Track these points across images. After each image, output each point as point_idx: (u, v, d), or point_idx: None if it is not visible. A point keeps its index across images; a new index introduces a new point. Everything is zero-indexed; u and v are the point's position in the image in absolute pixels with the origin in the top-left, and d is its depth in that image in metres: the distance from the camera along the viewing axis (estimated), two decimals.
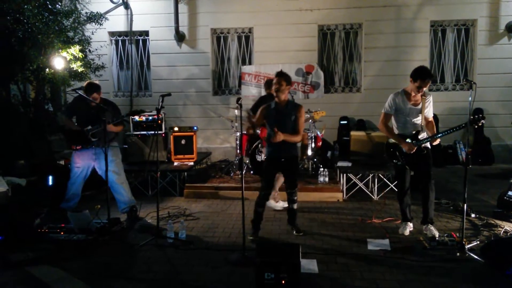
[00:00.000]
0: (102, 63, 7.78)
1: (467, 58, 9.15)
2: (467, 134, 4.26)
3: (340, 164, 6.87)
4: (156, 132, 5.54)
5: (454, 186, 7.07)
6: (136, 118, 7.43)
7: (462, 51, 9.15)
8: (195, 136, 7.47)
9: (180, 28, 9.21)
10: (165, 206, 6.10)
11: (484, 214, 5.39)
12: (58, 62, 6.33)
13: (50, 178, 6.12)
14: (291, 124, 4.57)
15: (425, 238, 4.49)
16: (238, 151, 7.43)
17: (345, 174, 6.60)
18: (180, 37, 9.29)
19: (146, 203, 6.05)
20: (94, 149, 5.31)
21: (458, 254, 4.09)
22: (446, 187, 7.03)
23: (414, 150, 4.52)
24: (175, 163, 7.30)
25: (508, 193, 5.39)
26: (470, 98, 4.11)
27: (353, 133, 7.24)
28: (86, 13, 7.37)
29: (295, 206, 4.88)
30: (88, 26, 7.50)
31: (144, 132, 7.37)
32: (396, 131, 4.74)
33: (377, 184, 6.49)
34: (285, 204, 5.94)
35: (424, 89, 4.44)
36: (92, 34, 7.58)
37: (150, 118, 7.49)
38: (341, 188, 6.57)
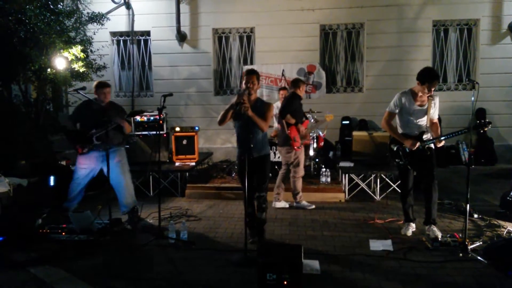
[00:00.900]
0: (104, 63, 7.77)
1: (469, 58, 9.13)
2: (470, 134, 4.24)
3: (342, 164, 6.86)
4: (157, 132, 5.52)
5: (457, 186, 7.05)
6: (138, 118, 7.43)
7: (465, 50, 9.13)
8: (197, 136, 7.46)
9: (182, 28, 9.21)
10: (166, 206, 6.10)
11: (487, 215, 5.37)
12: (60, 62, 6.34)
13: (52, 178, 6.11)
14: (260, 117, 4.28)
15: (428, 239, 4.48)
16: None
17: (347, 175, 6.59)
18: (181, 37, 9.29)
19: (148, 203, 6.05)
20: (100, 152, 5.20)
21: (460, 254, 4.08)
22: (448, 187, 7.00)
23: (416, 147, 4.49)
24: (177, 164, 7.29)
25: (511, 194, 5.36)
26: (473, 98, 4.10)
27: (355, 133, 7.22)
28: (88, 13, 7.37)
29: (263, 215, 4.52)
30: (90, 26, 7.50)
31: (146, 132, 7.37)
32: (400, 131, 4.71)
33: (379, 184, 6.48)
34: (286, 205, 5.97)
35: (432, 90, 4.42)
36: (94, 34, 7.58)
37: (152, 118, 7.49)
38: (343, 188, 6.56)
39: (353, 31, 9.29)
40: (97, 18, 7.38)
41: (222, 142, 9.52)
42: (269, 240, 4.66)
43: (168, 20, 9.25)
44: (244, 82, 4.31)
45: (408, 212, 4.82)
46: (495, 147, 8.73)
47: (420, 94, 4.49)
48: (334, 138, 9.05)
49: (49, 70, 6.53)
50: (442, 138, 4.48)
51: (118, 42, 9.74)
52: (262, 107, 4.36)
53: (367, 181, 6.62)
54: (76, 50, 6.75)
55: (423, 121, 4.58)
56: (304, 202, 5.98)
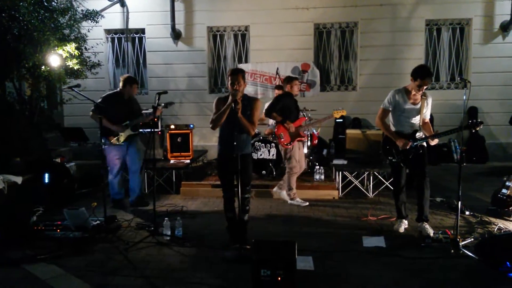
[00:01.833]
0: (98, 61, 7.75)
1: (462, 57, 9.21)
2: (462, 132, 4.30)
3: (335, 162, 6.91)
4: (152, 130, 5.54)
5: (449, 184, 7.12)
6: None
7: (457, 50, 9.21)
8: (191, 134, 7.47)
9: (177, 26, 9.20)
10: (161, 203, 6.11)
11: (478, 212, 5.44)
12: (54, 59, 6.32)
13: (46, 175, 6.11)
14: (246, 118, 4.18)
15: (420, 235, 4.53)
16: None
17: (340, 172, 6.64)
18: (176, 35, 9.28)
19: None
20: (126, 143, 5.69)
21: (452, 251, 4.13)
22: (440, 185, 7.08)
23: (408, 146, 4.55)
24: (172, 161, 7.30)
25: (502, 191, 5.43)
26: (464, 97, 4.15)
27: (348, 131, 7.27)
28: (82, 10, 7.34)
29: (246, 216, 4.35)
30: (84, 23, 7.46)
31: (141, 130, 7.35)
32: (392, 129, 4.76)
33: (372, 181, 6.54)
34: (306, 203, 6.04)
35: (424, 87, 4.46)
36: (88, 31, 7.55)
37: None
38: (336, 185, 6.61)
39: (347, 30, 9.33)
40: (92, 15, 7.35)
41: (217, 140, 9.50)
42: (262, 237, 4.69)
43: (163, 18, 9.25)
44: (229, 82, 4.15)
45: (400, 209, 4.87)
46: (487, 145, 8.82)
47: (413, 92, 4.54)
48: (328, 136, 9.10)
49: (43, 67, 6.50)
50: (434, 137, 4.54)
51: (112, 39, 9.71)
52: (249, 104, 4.22)
53: (360, 178, 6.67)
54: (71, 47, 6.73)
55: (416, 120, 4.63)
56: (298, 199, 6.02)
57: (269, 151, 6.92)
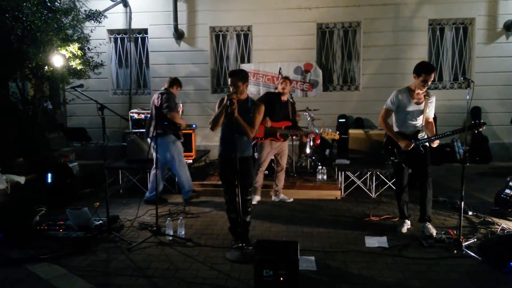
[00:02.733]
0: (101, 61, 7.77)
1: (465, 57, 9.18)
2: (465, 132, 4.29)
3: (338, 162, 6.89)
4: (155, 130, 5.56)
5: (452, 184, 7.10)
6: (135, 116, 7.44)
7: (460, 49, 9.18)
8: (194, 134, 7.47)
9: (179, 26, 9.21)
10: (163, 203, 6.11)
11: (481, 212, 5.42)
12: (57, 59, 6.34)
13: (49, 175, 6.13)
14: (248, 121, 4.18)
15: (423, 236, 4.51)
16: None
17: (343, 172, 6.62)
18: (179, 35, 9.29)
19: None
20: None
21: (455, 251, 4.12)
22: (443, 185, 7.06)
23: (410, 148, 4.54)
24: None
25: (505, 191, 5.41)
26: (468, 97, 4.14)
27: (351, 131, 7.25)
28: (85, 11, 7.37)
29: (248, 218, 4.33)
30: (87, 24, 7.50)
31: (143, 130, 7.37)
32: (395, 129, 4.75)
33: (375, 182, 6.52)
34: (290, 199, 6.11)
35: (429, 83, 4.43)
36: (91, 32, 7.58)
37: (149, 116, 7.48)
38: (339, 186, 6.60)
39: (350, 29, 9.32)
40: (95, 15, 7.38)
41: (219, 140, 9.53)
42: (265, 237, 4.70)
43: (166, 18, 9.26)
44: (229, 84, 4.21)
45: (403, 209, 4.86)
46: (490, 145, 8.79)
47: (417, 91, 4.52)
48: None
49: (46, 67, 6.53)
50: (437, 137, 4.53)
51: (115, 39, 9.73)
52: (252, 107, 4.22)
53: (363, 178, 6.66)
54: (74, 47, 6.76)
55: (419, 120, 4.61)
56: (257, 197, 6.08)
57: None
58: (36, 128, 6.97)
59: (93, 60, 7.58)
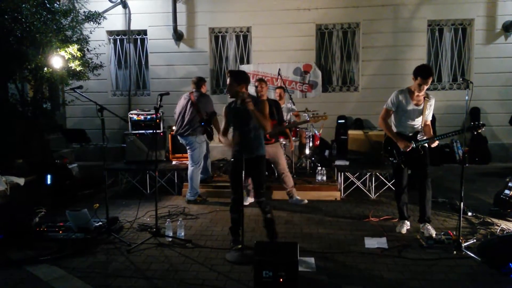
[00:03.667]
0: (101, 62, 7.76)
1: (464, 58, 9.19)
2: (464, 134, 4.30)
3: (337, 163, 6.90)
4: (154, 131, 5.56)
5: (451, 184, 7.11)
6: (135, 117, 7.45)
7: (459, 50, 9.19)
8: None
9: (178, 27, 9.22)
10: (163, 205, 6.11)
11: (481, 213, 5.43)
12: (57, 61, 6.33)
13: (49, 177, 6.13)
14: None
15: (422, 237, 4.52)
16: None
17: (342, 173, 6.63)
18: (178, 36, 9.30)
19: (145, 201, 6.07)
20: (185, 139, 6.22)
21: (455, 252, 4.12)
22: (443, 185, 7.06)
23: (409, 148, 4.55)
24: (173, 162, 7.31)
25: (505, 192, 5.42)
26: (467, 97, 4.14)
27: (350, 132, 7.27)
28: (84, 12, 7.36)
29: (269, 215, 4.33)
30: (86, 25, 7.49)
31: (143, 131, 7.39)
32: (394, 129, 4.76)
33: (374, 182, 6.53)
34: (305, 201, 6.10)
35: (425, 87, 4.44)
36: (90, 33, 7.57)
37: (149, 117, 7.50)
38: (338, 186, 6.60)
39: (349, 30, 9.33)
40: (94, 17, 7.37)
41: (219, 141, 9.53)
42: (264, 239, 4.69)
43: (165, 19, 9.26)
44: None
45: (402, 210, 4.86)
46: (489, 146, 8.80)
47: (416, 92, 4.53)
48: (330, 137, 9.09)
49: (45, 69, 6.52)
50: (436, 138, 4.53)
51: (114, 41, 9.73)
52: (257, 105, 4.19)
53: (362, 179, 6.66)
54: (73, 49, 6.75)
55: (418, 121, 4.62)
56: (248, 198, 6.10)
57: None
58: (36, 129, 6.96)
59: (93, 62, 7.57)
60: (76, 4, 7.39)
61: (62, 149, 8.11)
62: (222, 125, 4.44)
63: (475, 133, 4.40)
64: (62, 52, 6.60)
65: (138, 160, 7.17)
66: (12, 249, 4.37)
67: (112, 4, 9.24)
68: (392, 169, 5.02)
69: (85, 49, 7.41)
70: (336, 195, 6.42)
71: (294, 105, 7.33)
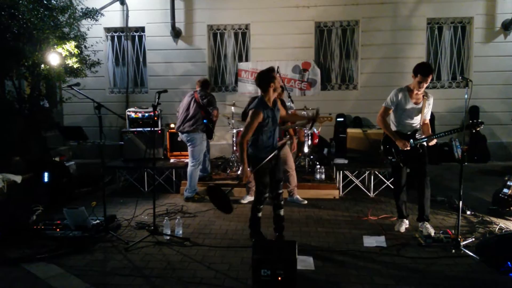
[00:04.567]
0: (98, 59, 7.73)
1: (463, 56, 9.18)
2: (463, 132, 4.29)
3: (336, 161, 6.89)
4: (152, 129, 5.55)
5: (450, 183, 7.11)
6: (132, 115, 7.42)
7: (459, 48, 9.17)
8: None
9: (177, 25, 9.17)
10: (161, 203, 6.10)
11: (480, 211, 5.43)
12: (54, 58, 6.30)
13: (46, 174, 6.10)
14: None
15: (421, 235, 4.52)
16: (234, 148, 7.43)
17: (341, 171, 6.62)
18: (176, 34, 9.25)
19: (143, 199, 6.07)
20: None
21: (453, 251, 4.12)
22: (441, 184, 7.06)
23: (408, 147, 4.54)
24: (171, 160, 7.30)
25: (503, 191, 5.42)
26: (466, 96, 4.13)
27: (349, 130, 7.25)
28: (82, 8, 7.32)
29: (282, 212, 4.56)
30: (84, 22, 7.45)
31: (141, 129, 7.36)
32: (393, 128, 4.75)
33: (373, 181, 6.52)
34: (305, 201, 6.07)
35: (425, 85, 4.43)
36: (88, 30, 7.52)
37: (146, 114, 7.48)
38: (337, 185, 6.59)
39: (348, 28, 9.30)
40: (91, 13, 7.34)
41: (217, 139, 9.51)
42: (264, 237, 4.69)
43: (163, 16, 9.22)
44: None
45: (401, 209, 4.86)
46: (488, 144, 8.79)
47: (415, 91, 4.52)
48: (329, 135, 9.08)
49: (42, 66, 6.48)
50: (434, 136, 4.52)
51: (112, 38, 9.68)
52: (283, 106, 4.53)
53: (361, 178, 6.66)
54: (70, 46, 6.71)
55: (417, 120, 4.61)
56: (248, 197, 6.15)
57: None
58: (33, 127, 6.93)
59: (90, 59, 7.53)
60: (73, 1, 7.33)
61: (59, 146, 8.07)
62: (250, 129, 4.18)
63: (474, 131, 4.39)
64: (59, 49, 6.56)
65: (136, 158, 7.15)
66: (9, 247, 4.35)
67: (109, 1, 9.17)
68: (391, 168, 5.01)
69: (83, 46, 7.37)
70: (335, 193, 6.41)
71: (293, 103, 7.31)
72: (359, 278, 3.63)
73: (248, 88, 9.19)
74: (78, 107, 8.94)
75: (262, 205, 4.47)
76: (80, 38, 7.21)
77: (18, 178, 5.73)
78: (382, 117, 4.74)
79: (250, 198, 6.04)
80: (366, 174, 6.62)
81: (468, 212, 5.38)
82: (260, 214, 4.52)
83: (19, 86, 7.16)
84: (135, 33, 9.63)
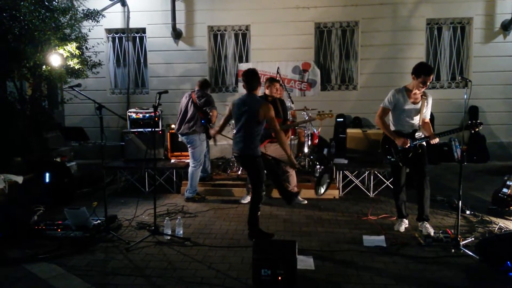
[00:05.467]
0: (99, 60, 7.75)
1: (462, 56, 9.19)
2: (462, 131, 4.30)
3: (336, 161, 6.90)
4: (153, 129, 5.58)
5: (449, 183, 7.12)
6: (133, 115, 7.44)
7: (458, 49, 9.19)
8: None
9: (177, 26, 9.20)
10: (162, 203, 6.12)
11: (479, 211, 5.44)
12: (55, 59, 6.32)
13: (47, 175, 6.12)
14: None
15: (421, 235, 4.53)
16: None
17: (341, 171, 6.64)
18: (177, 35, 9.28)
19: (143, 200, 6.08)
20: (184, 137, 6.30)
21: (453, 250, 4.13)
22: (441, 184, 7.08)
23: (408, 144, 4.55)
24: (172, 160, 7.31)
25: (503, 190, 5.44)
26: (465, 96, 4.15)
27: (349, 130, 7.26)
28: (83, 10, 7.34)
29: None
30: (85, 23, 7.47)
31: (141, 130, 7.38)
32: (392, 128, 4.76)
33: (373, 181, 6.54)
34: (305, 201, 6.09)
35: (427, 84, 4.45)
36: (89, 31, 7.55)
37: (147, 115, 7.50)
38: (337, 185, 6.61)
39: (348, 29, 9.32)
40: (92, 15, 7.36)
41: (218, 139, 9.52)
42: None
43: (164, 17, 9.24)
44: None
45: (401, 209, 4.87)
46: (487, 144, 8.81)
47: (414, 91, 4.53)
48: (329, 136, 9.10)
49: (44, 67, 6.51)
50: (434, 136, 4.54)
51: (113, 39, 9.71)
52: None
53: (361, 178, 6.67)
54: (71, 47, 6.74)
55: (416, 120, 4.63)
56: (248, 197, 6.11)
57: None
58: (34, 127, 6.96)
59: (91, 60, 7.56)
60: (74, 2, 7.38)
61: (61, 147, 8.08)
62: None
63: (473, 131, 4.41)
64: (61, 50, 6.59)
65: (136, 159, 7.17)
66: (10, 247, 4.37)
67: (111, 2, 9.20)
68: (390, 168, 5.03)
69: (84, 47, 7.40)
70: (335, 193, 6.43)
71: (292, 103, 7.32)
72: (359, 278, 3.65)
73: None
74: (79, 108, 8.97)
75: (261, 203, 4.58)
76: (81, 39, 7.24)
77: (19, 179, 5.75)
78: (380, 117, 4.76)
79: (249, 198, 6.04)
80: (366, 174, 6.63)
81: (468, 212, 5.39)
82: (259, 213, 4.60)
83: (21, 87, 7.19)
84: (136, 34, 9.66)
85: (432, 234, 4.44)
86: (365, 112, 9.07)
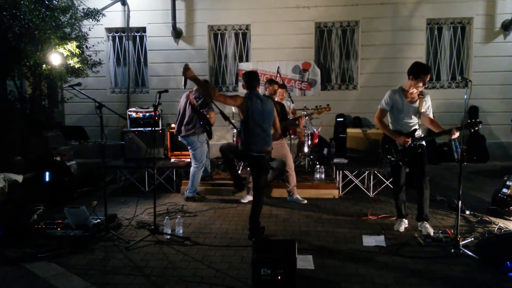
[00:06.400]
0: (99, 59, 7.75)
1: (463, 56, 9.19)
2: (463, 131, 4.30)
3: (336, 161, 6.91)
4: (153, 128, 5.58)
5: (449, 183, 7.12)
6: (133, 114, 7.45)
7: (458, 49, 9.19)
8: None
9: (177, 25, 9.20)
10: (162, 202, 6.12)
11: (479, 211, 5.44)
12: (55, 58, 6.32)
13: (47, 174, 6.12)
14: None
15: (420, 235, 4.54)
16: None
17: (341, 171, 6.64)
18: (177, 34, 9.28)
19: (143, 199, 6.09)
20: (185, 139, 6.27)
21: (452, 250, 4.13)
22: (441, 184, 7.08)
23: (409, 142, 4.54)
24: (172, 160, 7.32)
25: (503, 190, 5.44)
26: (465, 96, 4.15)
27: (349, 130, 7.27)
28: (83, 9, 7.35)
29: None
30: (85, 22, 7.48)
31: (141, 129, 7.38)
32: (391, 128, 4.76)
33: (372, 181, 6.54)
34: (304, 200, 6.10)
35: (426, 83, 4.45)
36: (89, 30, 7.56)
37: (147, 114, 7.50)
38: (337, 185, 6.61)
39: (348, 29, 9.32)
40: (93, 14, 7.36)
41: (218, 139, 9.52)
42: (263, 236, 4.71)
43: (164, 16, 9.24)
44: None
45: (400, 208, 4.87)
46: (487, 144, 8.80)
47: (410, 90, 4.54)
48: (329, 135, 9.10)
49: (44, 66, 6.51)
50: (434, 136, 4.53)
51: (113, 38, 9.71)
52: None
53: (360, 177, 6.67)
54: (72, 46, 6.74)
55: (414, 119, 4.62)
56: (248, 196, 6.11)
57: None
58: (34, 126, 6.95)
59: (91, 59, 7.56)
60: (75, 1, 7.38)
61: (61, 146, 8.08)
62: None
63: (473, 131, 4.41)
64: (61, 49, 6.59)
65: (136, 158, 7.17)
66: (10, 246, 4.37)
67: (111, 1, 9.21)
68: (390, 167, 5.03)
69: (84, 46, 7.40)
70: (335, 193, 6.43)
71: (292, 103, 7.33)
72: (359, 277, 3.65)
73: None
74: (79, 107, 8.98)
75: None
76: (81, 38, 7.24)
77: (19, 178, 5.75)
78: (379, 119, 4.76)
79: (250, 198, 6.06)
80: (366, 173, 6.64)
81: (467, 212, 5.39)
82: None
83: (21, 86, 7.19)
84: (136, 34, 9.66)
85: (431, 234, 4.44)
86: (365, 111, 9.07)
